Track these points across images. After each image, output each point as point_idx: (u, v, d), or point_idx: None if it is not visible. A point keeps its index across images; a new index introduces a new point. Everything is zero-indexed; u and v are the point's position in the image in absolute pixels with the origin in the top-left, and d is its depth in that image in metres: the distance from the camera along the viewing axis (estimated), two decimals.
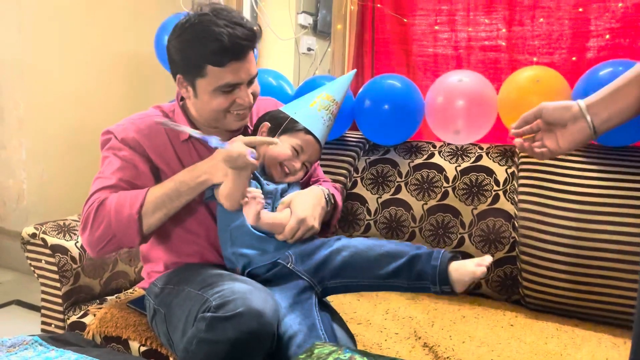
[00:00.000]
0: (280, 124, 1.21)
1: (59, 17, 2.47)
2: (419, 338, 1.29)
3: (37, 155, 2.56)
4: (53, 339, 0.89)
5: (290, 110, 1.24)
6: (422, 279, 1.04)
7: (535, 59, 1.65)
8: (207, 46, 1.10)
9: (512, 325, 1.37)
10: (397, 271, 1.05)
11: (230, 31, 1.10)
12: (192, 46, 1.12)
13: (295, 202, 1.16)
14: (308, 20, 3.26)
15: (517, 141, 1.03)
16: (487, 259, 1.02)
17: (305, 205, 1.16)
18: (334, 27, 1.96)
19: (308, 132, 1.20)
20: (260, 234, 1.15)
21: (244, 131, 1.30)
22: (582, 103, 0.95)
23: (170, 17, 2.06)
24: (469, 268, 1.01)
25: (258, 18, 2.35)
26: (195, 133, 1.12)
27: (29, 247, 1.49)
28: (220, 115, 1.20)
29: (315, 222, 1.16)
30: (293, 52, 3.09)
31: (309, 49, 3.27)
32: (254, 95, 1.22)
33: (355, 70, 1.37)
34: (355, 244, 1.10)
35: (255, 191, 1.11)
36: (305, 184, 1.36)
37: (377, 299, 1.51)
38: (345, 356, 0.58)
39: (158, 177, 1.22)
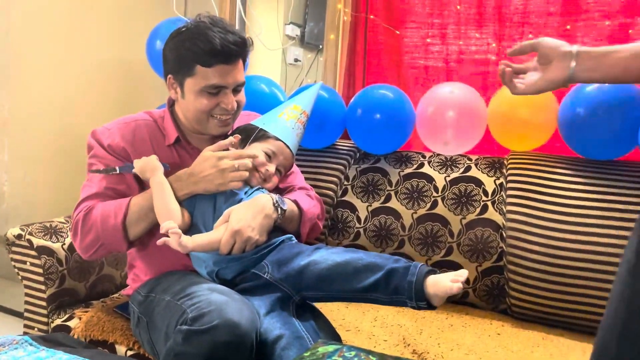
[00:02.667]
0: (250, 135, 1.24)
1: (47, 21, 2.45)
2: (408, 345, 1.29)
3: (20, 157, 2.52)
4: (43, 339, 0.87)
5: (259, 122, 1.27)
6: (398, 294, 1.02)
7: None
8: (199, 47, 1.16)
9: (499, 334, 1.39)
10: (374, 285, 1.03)
11: (222, 36, 1.16)
12: (185, 46, 1.18)
13: (232, 214, 1.13)
14: (296, 31, 3.29)
15: (501, 66, 1.10)
16: (463, 274, 1.00)
17: (241, 216, 1.12)
18: (327, 37, 1.98)
19: (278, 139, 1.24)
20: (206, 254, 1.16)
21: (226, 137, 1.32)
22: (576, 48, 1.00)
23: (163, 22, 2.06)
24: (444, 284, 0.99)
25: (246, 27, 2.37)
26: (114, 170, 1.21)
27: (14, 249, 1.47)
28: (203, 117, 1.23)
29: (253, 233, 1.11)
30: (280, 62, 3.11)
31: (296, 60, 3.30)
32: (239, 105, 1.25)
33: (321, 82, 1.41)
34: (334, 257, 1.08)
35: (166, 225, 1.08)
36: (277, 190, 1.35)
37: (365, 307, 1.51)
38: (350, 354, 0.58)
39: (142, 182, 1.23)
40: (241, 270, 1.14)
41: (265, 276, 1.11)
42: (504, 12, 1.73)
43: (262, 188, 1.23)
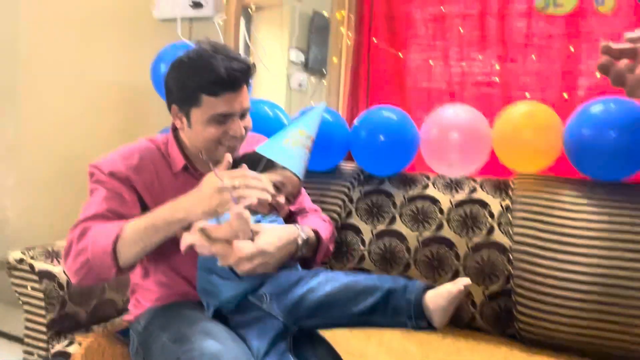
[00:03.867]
0: (255, 165, 1.18)
1: (54, 45, 2.48)
2: None
3: (25, 181, 2.53)
4: None
5: (265, 150, 1.21)
6: (398, 314, 0.98)
7: (527, 95, 1.68)
8: (204, 76, 1.14)
9: (506, 359, 1.35)
10: (373, 308, 0.99)
11: (226, 64, 1.14)
12: (189, 76, 1.16)
13: (263, 233, 1.09)
14: (300, 57, 3.32)
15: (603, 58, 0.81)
16: (464, 280, 0.96)
17: (271, 240, 1.08)
18: (330, 60, 1.99)
19: (285, 168, 1.19)
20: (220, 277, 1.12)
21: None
22: None
23: (167, 46, 2.08)
24: (444, 289, 0.95)
25: (251, 52, 2.39)
26: None
27: (15, 273, 1.45)
28: (212, 146, 1.21)
29: (272, 261, 1.08)
30: (285, 87, 3.13)
31: (300, 85, 3.32)
32: (246, 129, 1.24)
33: (325, 102, 1.38)
34: (332, 283, 1.04)
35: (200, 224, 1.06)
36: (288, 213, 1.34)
37: (370, 331, 1.48)
38: None
39: (145, 207, 1.21)
40: (241, 298, 1.11)
41: (263, 307, 1.08)
42: (507, 34, 1.74)
43: (277, 216, 1.21)
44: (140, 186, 1.21)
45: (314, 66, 3.31)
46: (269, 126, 1.73)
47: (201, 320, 1.11)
